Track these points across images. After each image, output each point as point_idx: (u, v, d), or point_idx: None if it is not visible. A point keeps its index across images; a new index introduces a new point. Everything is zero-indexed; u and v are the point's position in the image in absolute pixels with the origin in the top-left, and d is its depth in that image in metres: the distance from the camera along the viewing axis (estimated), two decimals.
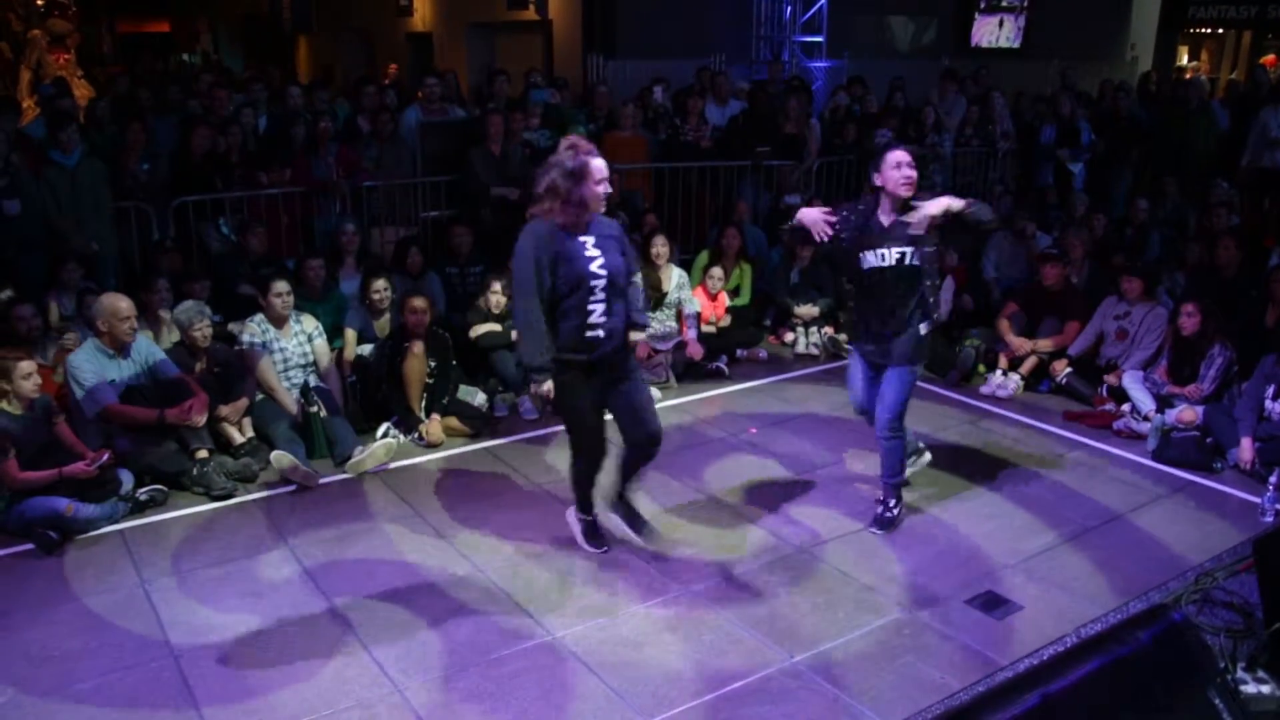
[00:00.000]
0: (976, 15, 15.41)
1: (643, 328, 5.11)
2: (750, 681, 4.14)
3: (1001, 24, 15.51)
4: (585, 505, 5.21)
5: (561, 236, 4.57)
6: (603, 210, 4.72)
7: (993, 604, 4.70)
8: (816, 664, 4.26)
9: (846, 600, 4.75)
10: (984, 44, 15.53)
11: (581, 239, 4.61)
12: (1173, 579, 3.11)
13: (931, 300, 5.13)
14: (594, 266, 4.60)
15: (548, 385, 4.65)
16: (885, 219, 5.06)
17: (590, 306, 4.60)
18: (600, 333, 4.64)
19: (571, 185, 4.51)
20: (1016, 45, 15.66)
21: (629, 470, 5.09)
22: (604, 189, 4.59)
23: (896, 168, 4.98)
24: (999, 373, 7.54)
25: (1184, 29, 17.77)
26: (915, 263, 5.01)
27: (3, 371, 5.48)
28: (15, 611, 4.76)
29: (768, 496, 5.83)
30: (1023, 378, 7.50)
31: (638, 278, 5.04)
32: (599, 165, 4.55)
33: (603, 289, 4.61)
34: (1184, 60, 19.09)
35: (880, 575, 4.97)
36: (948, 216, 4.89)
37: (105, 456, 5.55)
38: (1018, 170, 11.44)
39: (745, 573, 5.00)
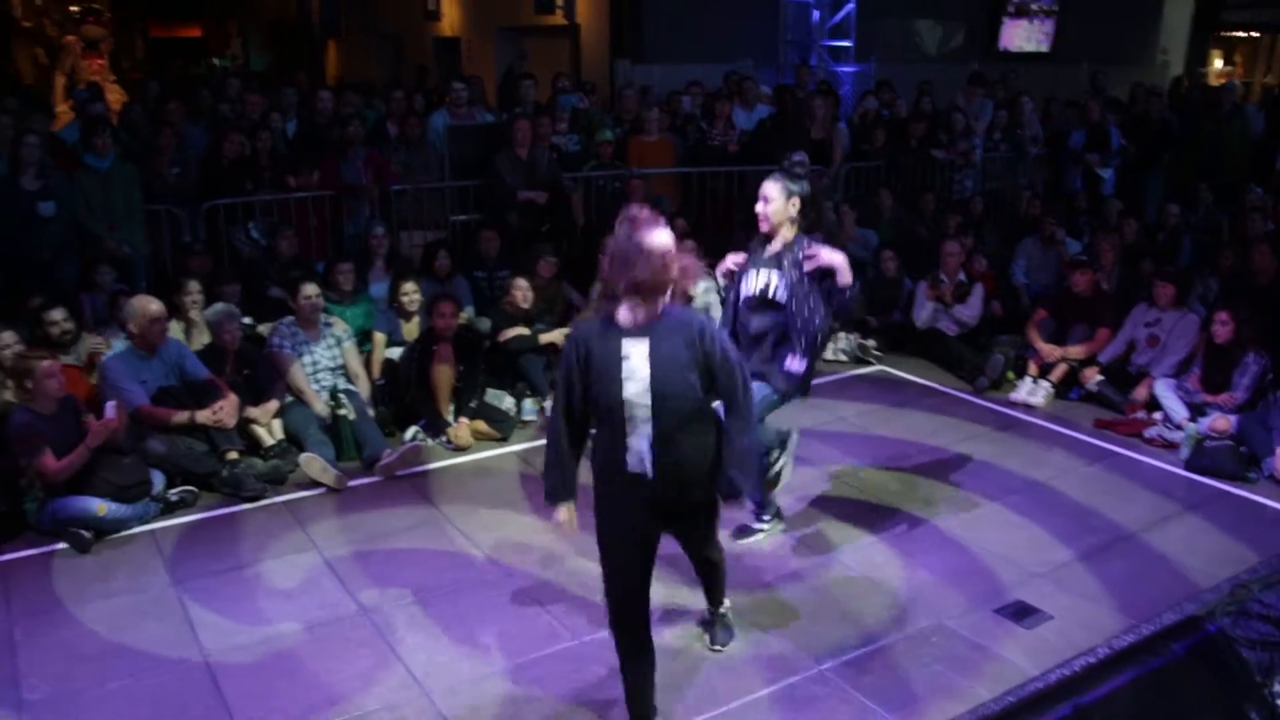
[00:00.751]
0: (1005, 19, 15.32)
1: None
2: (777, 689, 4.13)
3: (1030, 26, 15.42)
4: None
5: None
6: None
7: (1022, 613, 4.67)
8: (844, 672, 4.24)
9: (874, 607, 4.73)
10: (1013, 48, 15.43)
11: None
12: (1207, 591, 3.08)
13: (803, 340, 4.77)
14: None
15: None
16: (763, 250, 4.89)
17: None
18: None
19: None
20: (1046, 49, 15.56)
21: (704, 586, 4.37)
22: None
23: (759, 200, 4.83)
24: (1029, 380, 7.49)
25: (1216, 32, 17.61)
26: (780, 298, 4.74)
27: (26, 371, 5.53)
28: (49, 610, 4.82)
29: (796, 500, 5.81)
30: (1053, 385, 7.44)
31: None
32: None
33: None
34: (1218, 64, 18.91)
35: (908, 582, 4.95)
36: (830, 276, 4.73)
37: (111, 412, 5.55)
38: (1046, 175, 11.36)
39: (770, 578, 4.99)
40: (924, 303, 8.32)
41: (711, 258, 8.43)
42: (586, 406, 3.51)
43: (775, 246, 4.83)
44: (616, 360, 3.39)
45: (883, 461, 6.33)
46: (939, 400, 7.45)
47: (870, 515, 5.64)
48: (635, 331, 3.40)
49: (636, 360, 3.38)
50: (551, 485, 3.66)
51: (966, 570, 5.07)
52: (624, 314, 3.42)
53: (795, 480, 6.08)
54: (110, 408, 5.51)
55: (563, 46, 14.29)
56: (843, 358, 8.32)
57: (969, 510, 5.70)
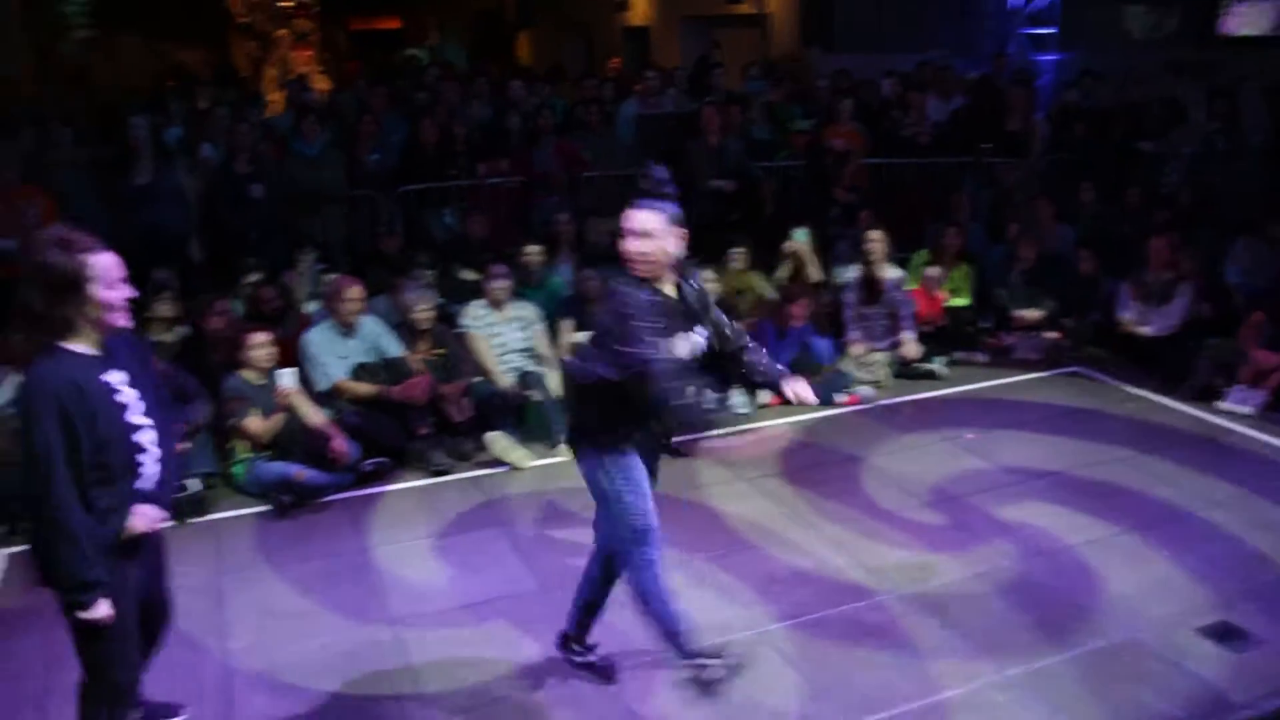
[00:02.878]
0: (1230, 2, 14.34)
1: None
2: (958, 693, 4.00)
3: (1255, 8, 14.41)
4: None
5: None
6: None
7: (1227, 635, 4.36)
8: (1028, 681, 4.07)
9: (1062, 618, 4.51)
10: (1233, 32, 14.47)
11: None
12: None
13: None
14: None
15: None
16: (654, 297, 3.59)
17: None
18: None
19: None
20: (1273, 33, 14.51)
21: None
22: None
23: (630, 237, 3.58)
24: (1239, 388, 7.01)
25: None
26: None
27: (240, 343, 5.94)
28: (252, 567, 5.11)
29: (983, 503, 5.61)
30: (1270, 393, 6.93)
31: None
32: None
33: None
34: None
35: (1099, 595, 4.70)
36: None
37: (286, 382, 5.87)
38: (1270, 169, 10.59)
39: (956, 581, 4.83)
40: (1126, 302, 7.91)
41: (899, 251, 8.36)
42: None
43: (668, 290, 3.65)
44: None
45: (1073, 468, 6.04)
46: (1138, 405, 7.07)
47: (1060, 523, 5.38)
48: None
49: None
50: None
51: (1164, 585, 4.77)
52: None
53: (980, 480, 5.88)
54: (285, 375, 5.77)
55: (752, 35, 14.22)
56: (1035, 357, 8.00)
57: (1167, 523, 5.37)
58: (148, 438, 3.02)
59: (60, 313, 2.83)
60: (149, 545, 3.21)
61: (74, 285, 2.82)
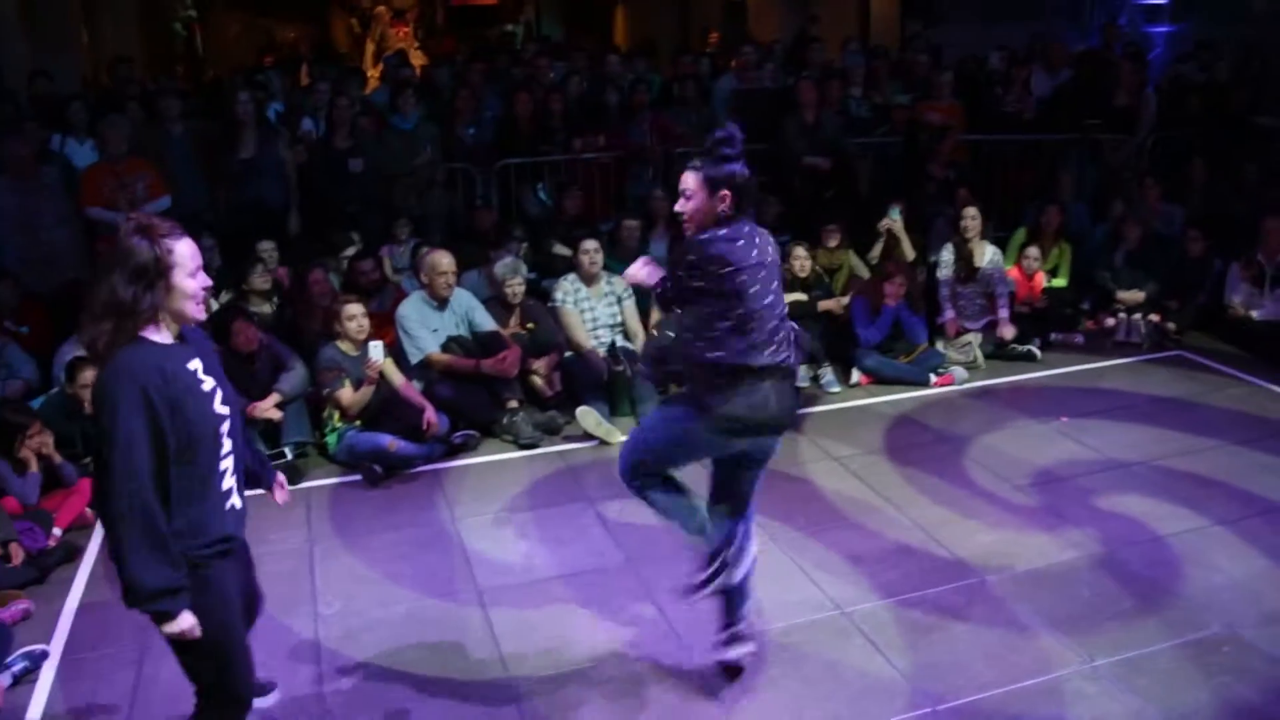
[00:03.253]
0: None
1: None
2: (1044, 680, 3.91)
3: None
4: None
5: None
6: None
7: None
8: (1118, 671, 3.95)
9: (1158, 607, 4.37)
10: None
11: None
12: None
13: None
14: None
15: None
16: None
17: None
18: None
19: None
20: None
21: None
22: None
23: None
24: None
25: None
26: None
27: (335, 314, 6.04)
28: (343, 534, 5.22)
29: (1077, 489, 5.47)
30: None
31: None
32: None
33: None
34: None
35: (1200, 585, 4.53)
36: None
37: (374, 354, 5.83)
38: None
39: (1046, 566, 4.72)
40: (1237, 285, 7.63)
41: (999, 230, 8.15)
42: None
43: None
44: None
45: (1172, 455, 5.82)
46: (1244, 391, 6.80)
47: (1157, 511, 5.20)
48: None
49: None
50: None
51: (1265, 579, 4.58)
52: None
53: (1074, 464, 5.73)
54: (374, 347, 5.86)
55: (850, 8, 14.00)
56: (1137, 340, 7.75)
57: (1269, 514, 5.16)
58: (226, 427, 2.91)
59: (144, 301, 2.72)
60: (242, 542, 3.07)
61: (157, 272, 2.72)
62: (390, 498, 5.63)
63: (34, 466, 5.27)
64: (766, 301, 3.49)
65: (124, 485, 2.66)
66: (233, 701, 3.04)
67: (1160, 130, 9.39)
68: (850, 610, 4.38)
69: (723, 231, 3.47)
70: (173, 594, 2.73)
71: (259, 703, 3.45)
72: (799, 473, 5.74)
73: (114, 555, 2.73)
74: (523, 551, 5.00)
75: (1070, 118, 9.21)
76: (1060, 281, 8.16)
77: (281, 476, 3.41)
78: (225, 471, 2.92)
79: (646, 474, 3.81)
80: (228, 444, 2.92)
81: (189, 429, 2.76)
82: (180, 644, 2.85)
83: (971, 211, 7.53)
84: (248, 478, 3.12)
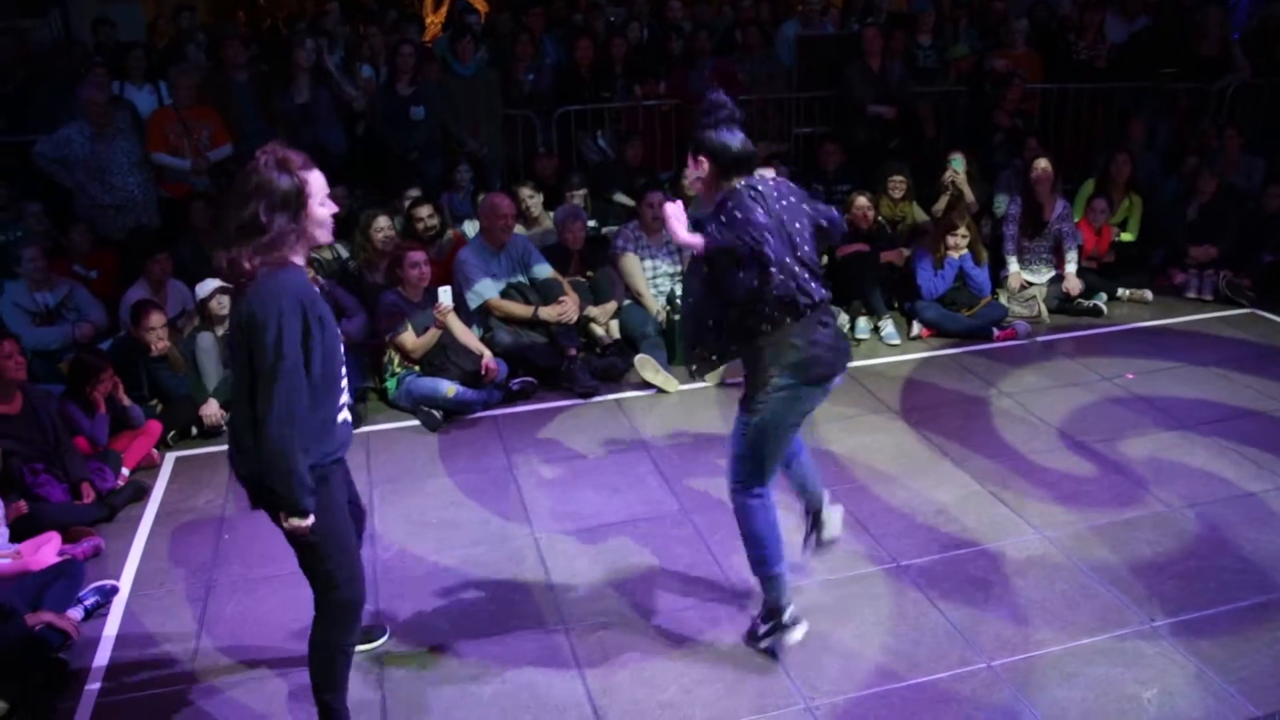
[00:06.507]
0: None
1: None
2: (1103, 639, 3.85)
3: None
4: None
5: None
6: None
7: None
8: (1178, 632, 3.88)
9: (1221, 570, 4.27)
10: None
11: None
12: None
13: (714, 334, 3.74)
14: None
15: None
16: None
17: None
18: None
19: None
20: None
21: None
22: None
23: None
24: None
25: None
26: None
27: (397, 260, 6.05)
28: (401, 479, 5.26)
29: (1140, 446, 5.35)
30: None
31: None
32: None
33: None
34: None
35: (1267, 550, 4.41)
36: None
37: (444, 299, 5.84)
38: None
39: (1108, 524, 4.63)
40: None
41: (1069, 181, 7.94)
42: None
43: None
44: None
45: (1242, 414, 5.67)
46: None
47: (1223, 471, 5.08)
48: None
49: None
50: None
51: None
52: None
53: (1139, 423, 5.61)
54: (444, 292, 5.87)
55: None
56: (1209, 297, 7.53)
57: None
58: (342, 346, 3.11)
59: (290, 228, 2.87)
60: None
61: (300, 202, 2.88)
62: (448, 443, 5.67)
63: (103, 409, 5.39)
64: (787, 259, 3.46)
65: (288, 394, 2.83)
66: (350, 602, 3.22)
67: (1246, 78, 9.03)
68: (906, 564, 4.35)
69: (729, 202, 3.49)
70: (313, 493, 2.94)
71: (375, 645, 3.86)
72: (856, 425, 5.69)
73: (267, 456, 2.87)
74: (579, 497, 5.01)
75: (1146, 66, 8.91)
76: (1129, 235, 7.96)
77: None
78: (344, 388, 3.14)
79: (755, 477, 3.68)
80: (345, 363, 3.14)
81: (329, 344, 2.97)
82: (305, 545, 3.06)
83: (1043, 163, 7.33)
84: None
